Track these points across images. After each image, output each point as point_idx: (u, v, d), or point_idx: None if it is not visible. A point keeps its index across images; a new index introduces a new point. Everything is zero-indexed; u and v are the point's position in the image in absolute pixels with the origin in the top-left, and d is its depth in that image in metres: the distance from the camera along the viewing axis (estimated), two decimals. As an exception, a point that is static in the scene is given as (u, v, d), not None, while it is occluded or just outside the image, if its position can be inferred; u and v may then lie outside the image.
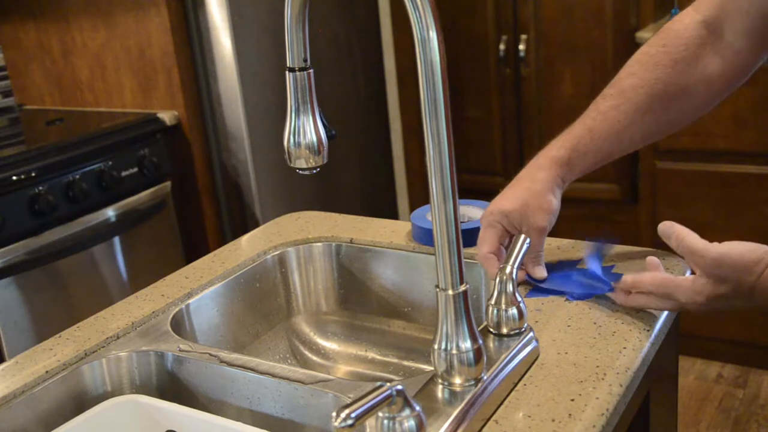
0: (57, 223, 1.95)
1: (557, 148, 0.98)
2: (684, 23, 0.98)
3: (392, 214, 3.05)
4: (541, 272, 0.97)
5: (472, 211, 1.16)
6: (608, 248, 1.01)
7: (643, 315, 0.88)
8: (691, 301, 0.81)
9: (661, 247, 1.02)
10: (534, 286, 0.97)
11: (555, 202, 0.97)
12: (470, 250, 1.07)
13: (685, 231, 0.83)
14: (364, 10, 2.82)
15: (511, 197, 0.97)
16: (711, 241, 0.81)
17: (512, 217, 0.96)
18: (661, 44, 0.98)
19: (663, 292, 0.84)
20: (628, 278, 0.87)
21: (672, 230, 0.84)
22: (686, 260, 0.83)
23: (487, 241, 0.98)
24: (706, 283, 0.80)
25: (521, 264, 0.86)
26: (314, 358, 1.16)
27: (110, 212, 2.08)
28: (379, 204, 2.99)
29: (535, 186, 0.96)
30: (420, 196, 3.01)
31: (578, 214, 2.76)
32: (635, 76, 0.98)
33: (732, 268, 0.78)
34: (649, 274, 0.86)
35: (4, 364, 0.92)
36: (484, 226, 0.98)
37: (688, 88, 0.96)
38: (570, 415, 0.72)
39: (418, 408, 0.65)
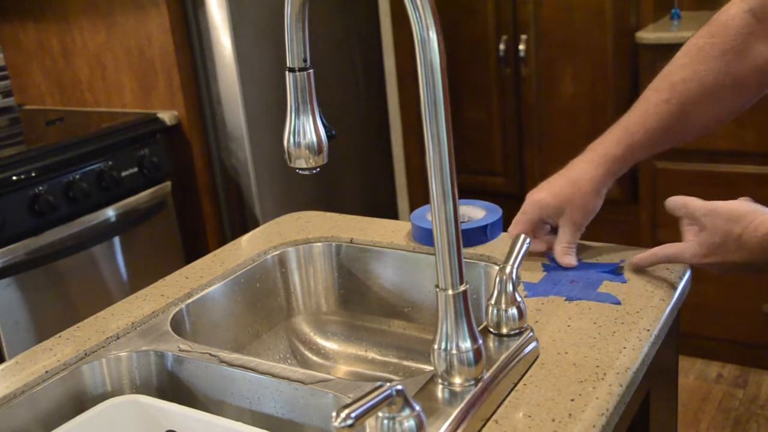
0: (57, 223, 1.95)
1: (613, 145, 0.99)
2: (730, 13, 0.97)
3: (392, 214, 3.05)
4: (570, 260, 1.01)
5: (472, 211, 1.16)
6: None
7: (643, 314, 0.88)
8: (694, 254, 0.90)
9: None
10: (533, 289, 0.97)
11: (598, 203, 1.01)
12: (470, 250, 1.08)
13: (691, 198, 0.91)
14: (364, 10, 2.82)
15: (553, 191, 1.00)
16: None
17: (549, 210, 1.00)
18: (709, 36, 0.98)
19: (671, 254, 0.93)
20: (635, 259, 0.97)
21: (681, 199, 0.92)
22: (690, 220, 0.92)
23: (518, 224, 1.03)
24: (703, 234, 0.89)
25: (521, 264, 0.86)
26: (314, 358, 1.16)
27: (110, 212, 2.08)
28: (379, 204, 2.99)
29: (582, 185, 0.99)
30: (420, 196, 3.01)
31: (578, 214, 2.75)
32: (685, 68, 0.98)
33: (721, 217, 0.87)
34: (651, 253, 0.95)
35: (4, 364, 0.92)
36: (520, 211, 1.03)
37: (739, 78, 0.96)
38: (570, 415, 0.72)
39: (418, 408, 0.65)
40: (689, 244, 0.91)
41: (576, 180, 0.99)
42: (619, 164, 0.99)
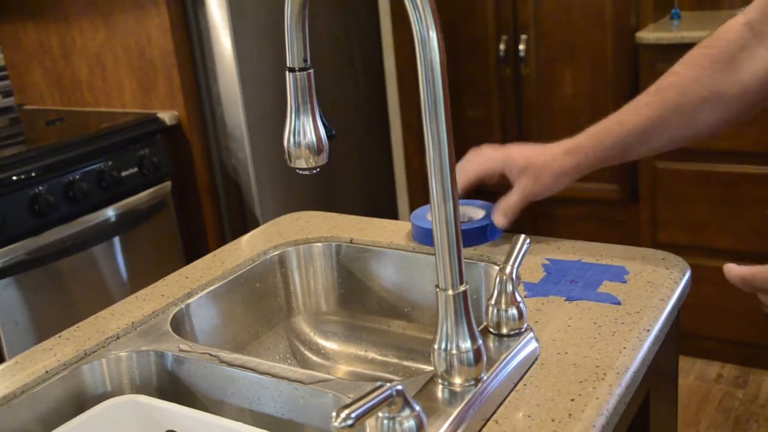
0: (57, 223, 1.95)
1: (588, 137, 1.01)
2: (728, 25, 0.96)
3: (392, 214, 3.05)
4: (502, 221, 1.05)
5: (472, 211, 1.16)
6: None
7: (643, 314, 0.88)
8: None
9: (662, 246, 1.02)
10: (533, 289, 0.97)
11: (555, 188, 1.03)
12: (470, 250, 1.08)
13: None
14: (364, 10, 2.82)
15: (527, 155, 1.02)
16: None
17: (511, 169, 1.02)
18: (704, 45, 0.97)
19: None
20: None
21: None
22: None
23: (476, 159, 1.06)
24: None
25: (521, 264, 0.86)
26: (314, 358, 1.16)
27: (110, 212, 2.08)
28: (379, 204, 2.99)
29: (550, 166, 1.01)
30: (420, 196, 3.01)
31: (578, 213, 2.76)
32: (675, 74, 0.98)
33: None
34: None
35: (4, 364, 0.92)
36: (485, 154, 1.06)
37: (723, 91, 0.94)
38: (570, 415, 0.72)
39: (418, 408, 0.65)
40: None
41: (549, 158, 1.02)
42: (591, 158, 1.00)
